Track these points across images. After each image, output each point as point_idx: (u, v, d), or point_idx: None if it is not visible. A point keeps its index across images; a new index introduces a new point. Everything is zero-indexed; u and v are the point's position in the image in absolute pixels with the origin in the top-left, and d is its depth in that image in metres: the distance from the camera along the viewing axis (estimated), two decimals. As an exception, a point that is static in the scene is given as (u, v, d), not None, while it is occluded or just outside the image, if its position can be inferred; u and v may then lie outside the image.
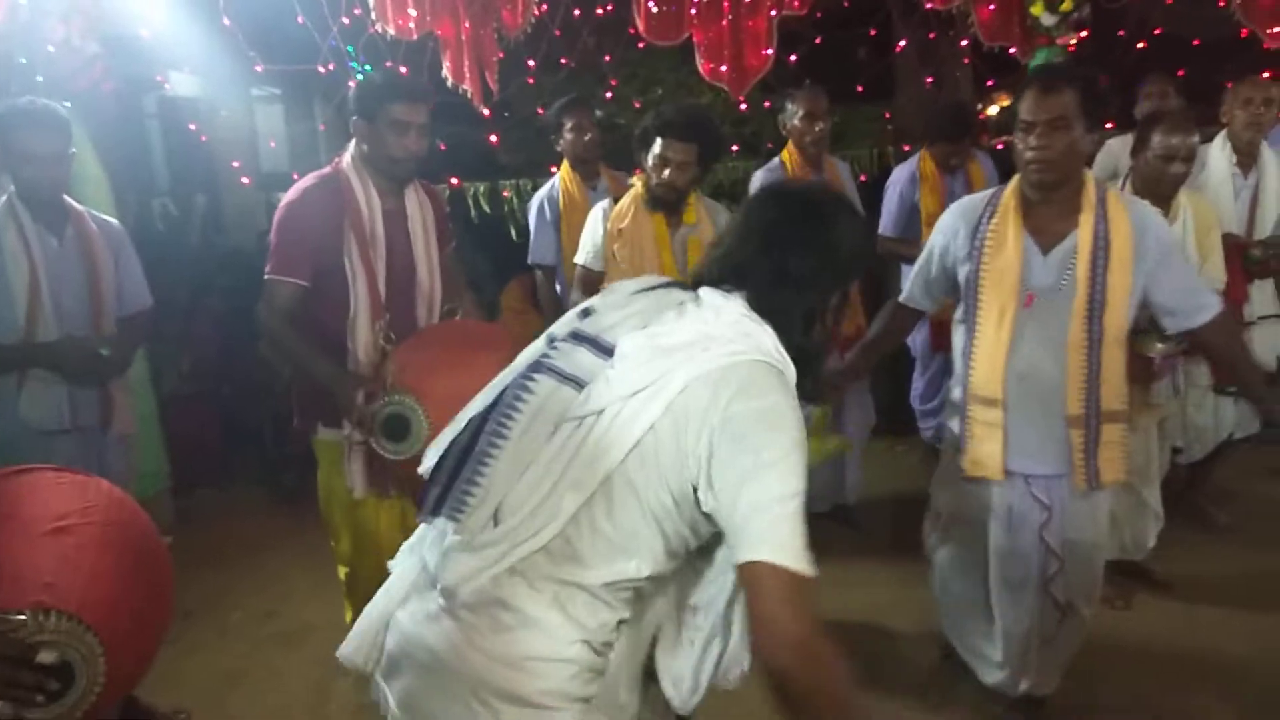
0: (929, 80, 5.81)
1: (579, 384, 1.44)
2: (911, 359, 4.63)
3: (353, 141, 2.78)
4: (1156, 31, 5.95)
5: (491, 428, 1.46)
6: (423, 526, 1.55)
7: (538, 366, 1.50)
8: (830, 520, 4.19)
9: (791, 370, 1.45)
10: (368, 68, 4.56)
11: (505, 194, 6.01)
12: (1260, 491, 4.43)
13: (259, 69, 4.56)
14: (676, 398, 1.37)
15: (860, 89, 4.30)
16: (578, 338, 1.51)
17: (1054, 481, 2.52)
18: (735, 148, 6.09)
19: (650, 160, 3.22)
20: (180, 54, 4.79)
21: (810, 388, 1.50)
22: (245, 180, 5.37)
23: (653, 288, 1.58)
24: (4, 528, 1.56)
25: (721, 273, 1.53)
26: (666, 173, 3.18)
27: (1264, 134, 3.80)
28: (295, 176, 3.05)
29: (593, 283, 3.37)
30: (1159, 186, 3.20)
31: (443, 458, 1.51)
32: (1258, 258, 3.61)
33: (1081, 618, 2.65)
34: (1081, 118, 2.33)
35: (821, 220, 1.54)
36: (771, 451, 1.34)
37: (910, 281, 2.75)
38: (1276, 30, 4.68)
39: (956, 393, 2.64)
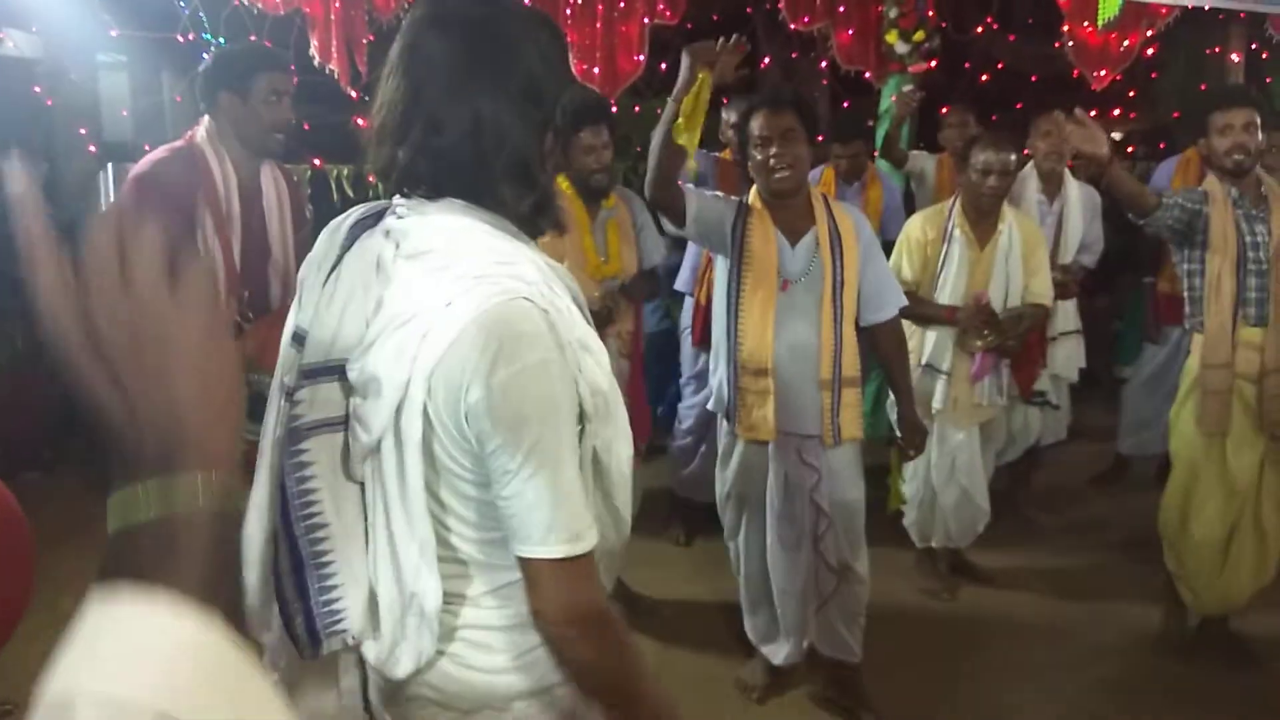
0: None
1: (345, 422, 1.23)
2: None
3: (206, 117, 2.72)
4: (999, 66, 6.39)
5: (301, 529, 1.22)
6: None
7: (296, 436, 1.23)
8: (707, 515, 4.26)
9: (551, 296, 1.19)
10: (222, 40, 4.42)
11: (370, 179, 5.89)
12: (1078, 493, 4.82)
13: (114, 33, 4.35)
14: (435, 377, 1.13)
15: (725, 100, 4.48)
16: (310, 375, 1.24)
17: (817, 443, 2.84)
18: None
19: (576, 153, 3.25)
20: (23, 11, 4.53)
21: (554, 217, 1.29)
22: (92, 148, 5.10)
23: (342, 252, 1.28)
24: None
25: (411, 176, 1.22)
26: (593, 159, 3.24)
27: (1063, 163, 4.13)
28: (146, 148, 2.96)
29: None
30: (979, 201, 3.49)
31: (278, 589, 1.25)
32: (1058, 280, 3.87)
33: (858, 576, 2.92)
34: (804, 132, 2.78)
35: (499, 45, 1.20)
36: (541, 438, 1.14)
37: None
38: (1102, 73, 5.11)
39: (723, 370, 2.90)
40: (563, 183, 3.33)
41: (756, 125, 2.77)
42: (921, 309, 3.42)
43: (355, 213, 1.33)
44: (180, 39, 4.29)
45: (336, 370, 1.23)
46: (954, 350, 3.49)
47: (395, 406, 1.15)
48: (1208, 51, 5.87)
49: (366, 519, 1.23)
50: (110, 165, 5.09)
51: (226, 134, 2.70)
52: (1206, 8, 4.80)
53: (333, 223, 1.35)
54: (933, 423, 3.54)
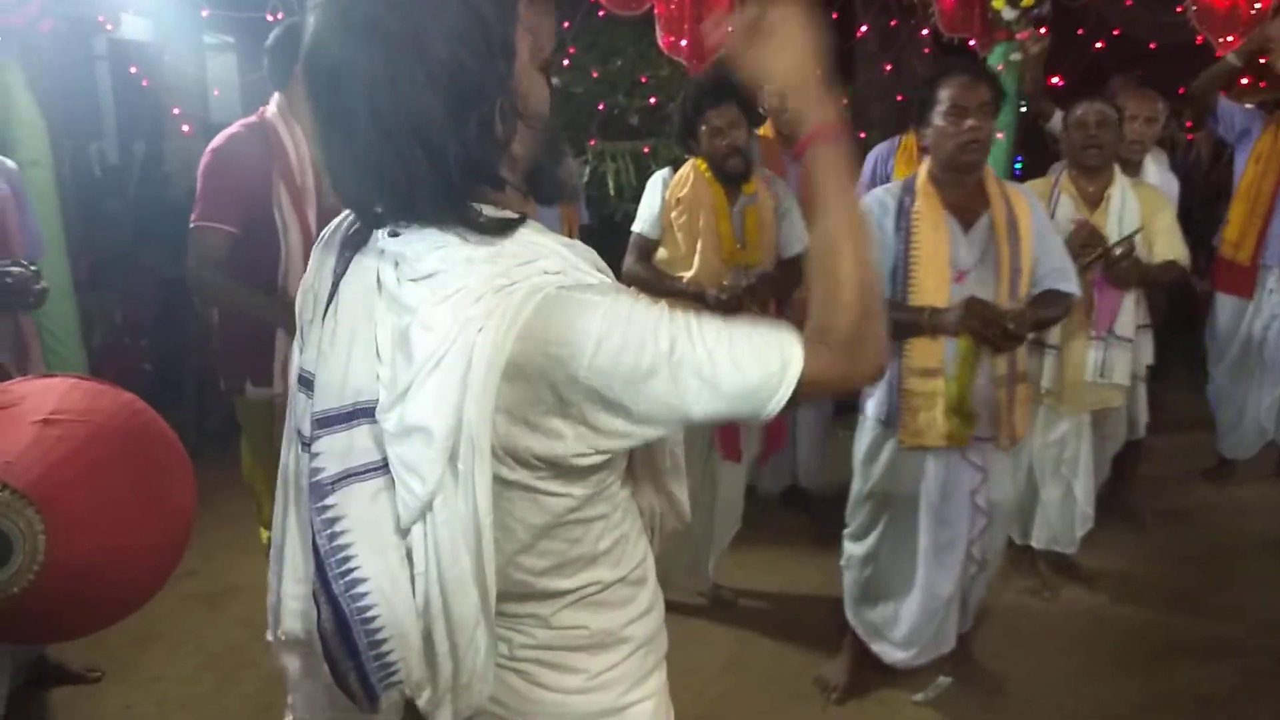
0: (888, 67, 5.81)
1: (380, 469, 1.12)
2: None
3: (276, 93, 2.72)
4: (1115, 32, 6.01)
5: (340, 588, 1.13)
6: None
7: (320, 491, 1.13)
8: (782, 504, 4.22)
9: (582, 276, 1.11)
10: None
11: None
12: (1186, 486, 4.53)
13: (205, 14, 4.42)
14: (503, 409, 1.05)
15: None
16: (326, 424, 1.14)
17: (985, 444, 2.67)
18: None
19: (704, 139, 3.18)
20: (126, -5, 4.62)
21: (550, 186, 1.19)
22: (186, 128, 5.22)
23: (336, 279, 1.17)
24: (1, 414, 1.58)
25: (370, 215, 1.12)
26: (724, 141, 3.14)
27: (1146, 152, 3.84)
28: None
29: (648, 250, 3.35)
30: (1083, 157, 3.39)
31: (325, 649, 1.18)
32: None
33: (989, 572, 2.87)
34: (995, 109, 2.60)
35: (396, 44, 1.02)
36: (670, 342, 1.05)
37: None
38: (1229, 39, 4.74)
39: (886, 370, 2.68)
40: (700, 165, 3.25)
41: (950, 94, 2.54)
42: None
43: (340, 227, 1.21)
44: (270, 17, 4.32)
45: (355, 416, 1.12)
46: (1064, 323, 3.19)
47: (450, 451, 1.04)
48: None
49: (412, 567, 1.11)
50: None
51: (300, 108, 2.68)
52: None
53: (319, 241, 1.23)
54: (1039, 407, 3.34)
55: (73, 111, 5.02)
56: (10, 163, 3.06)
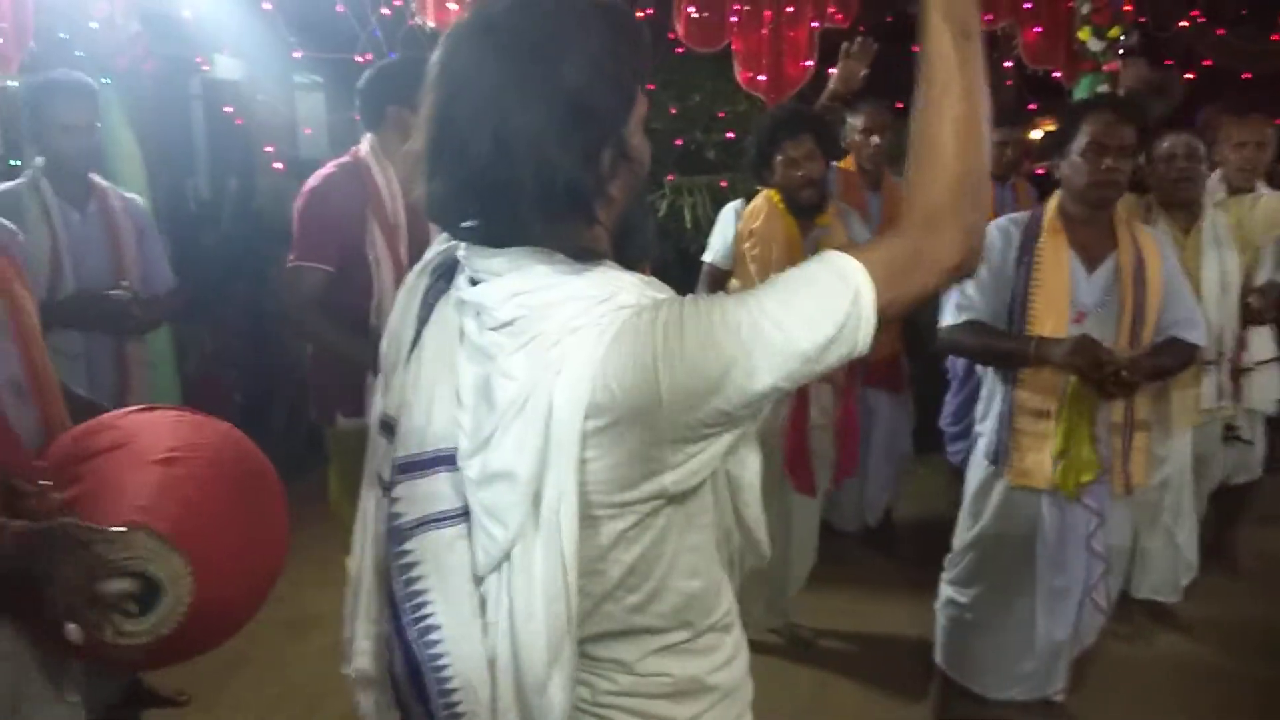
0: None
1: (458, 517, 1.12)
2: (946, 380, 4.56)
3: (368, 134, 2.79)
4: (1205, 63, 5.87)
5: (413, 634, 1.13)
6: None
7: (399, 536, 1.14)
8: (856, 541, 4.16)
9: (653, 289, 1.09)
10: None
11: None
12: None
13: (296, 55, 4.57)
14: (591, 448, 1.03)
15: (900, 106, 4.29)
16: (406, 470, 1.14)
17: (1100, 489, 2.60)
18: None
19: (778, 170, 3.19)
20: (222, 36, 4.81)
21: (640, 245, 1.19)
22: (278, 166, 5.39)
23: (420, 324, 1.18)
24: (115, 455, 1.60)
25: (449, 214, 1.11)
26: (799, 173, 3.15)
27: (1256, 179, 3.67)
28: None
29: (720, 281, 3.38)
30: (1171, 189, 3.33)
31: (396, 694, 1.19)
32: (1250, 304, 3.48)
33: (1101, 617, 2.80)
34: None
35: (534, 53, 1.04)
36: (738, 347, 1.01)
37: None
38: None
39: (997, 406, 2.65)
40: (774, 197, 3.26)
41: (1093, 129, 2.49)
42: None
43: (425, 274, 1.22)
44: (359, 59, 4.45)
45: (435, 463, 1.12)
46: None
47: (534, 497, 1.04)
48: None
49: (485, 617, 1.10)
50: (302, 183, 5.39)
51: (393, 147, 2.75)
52: None
53: (405, 286, 1.25)
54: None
55: (169, 148, 5.22)
56: (138, 199, 3.21)
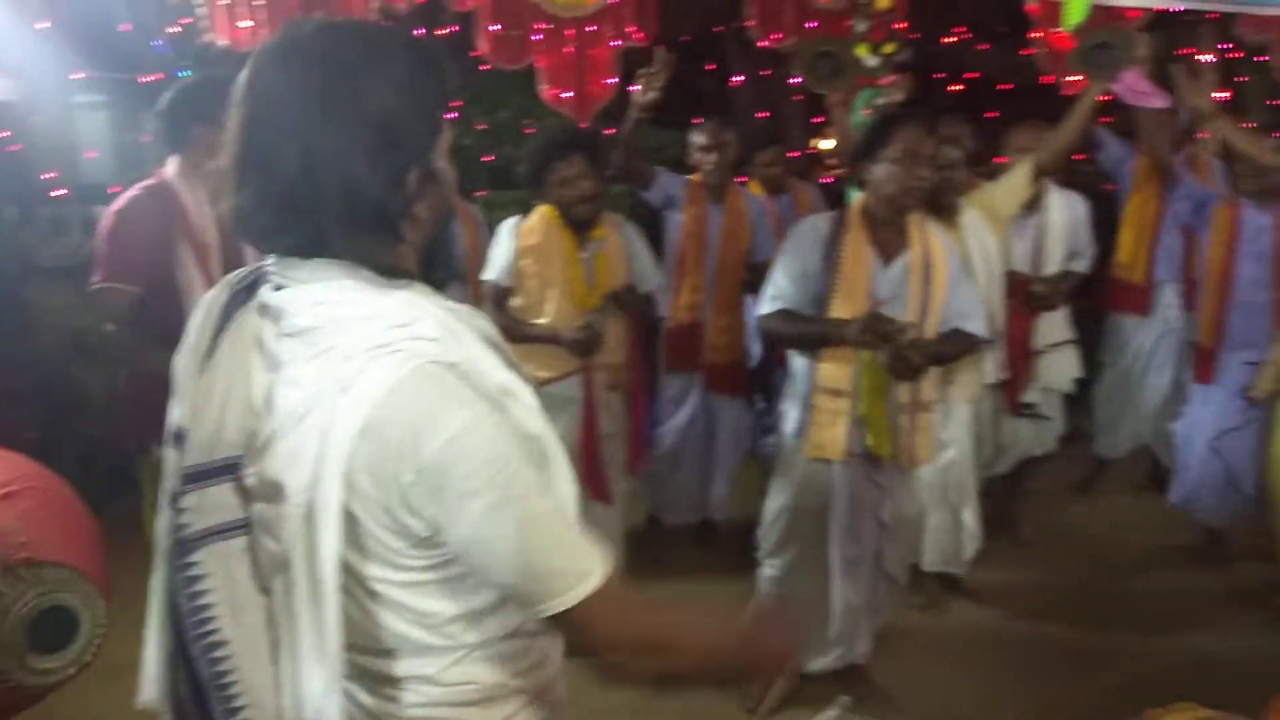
0: (763, 115, 6.05)
1: (246, 527, 1.11)
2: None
3: (174, 154, 2.75)
4: (970, 75, 6.41)
5: (198, 650, 1.10)
6: None
7: (185, 547, 1.11)
8: (678, 537, 4.28)
9: (459, 348, 1.10)
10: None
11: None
12: (1065, 505, 4.79)
13: (78, 75, 4.34)
14: (355, 472, 1.04)
15: (699, 121, 4.55)
16: (194, 479, 1.13)
17: (887, 463, 2.90)
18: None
19: (552, 190, 3.26)
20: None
21: (445, 265, 1.24)
22: (62, 192, 5.09)
23: (216, 335, 1.17)
24: None
25: (254, 227, 1.11)
26: (572, 191, 3.23)
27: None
28: (118, 189, 2.96)
29: (502, 297, 3.40)
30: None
31: (179, 716, 1.17)
32: (1037, 293, 3.89)
33: (896, 586, 3.13)
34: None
35: (342, 77, 1.07)
36: (501, 498, 1.07)
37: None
38: (1077, 77, 5.10)
39: (800, 386, 2.90)
40: (550, 213, 3.32)
41: (907, 140, 2.75)
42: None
43: (227, 287, 1.22)
44: (147, 78, 4.28)
45: (224, 472, 1.11)
46: None
47: (304, 512, 1.04)
48: (1178, 53, 5.88)
49: (272, 633, 1.10)
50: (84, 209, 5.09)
51: (200, 167, 2.73)
52: (1174, 9, 4.79)
53: (204, 300, 1.24)
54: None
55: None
56: None
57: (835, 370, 2.83)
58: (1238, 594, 3.83)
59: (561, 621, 1.12)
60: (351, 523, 1.06)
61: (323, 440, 1.03)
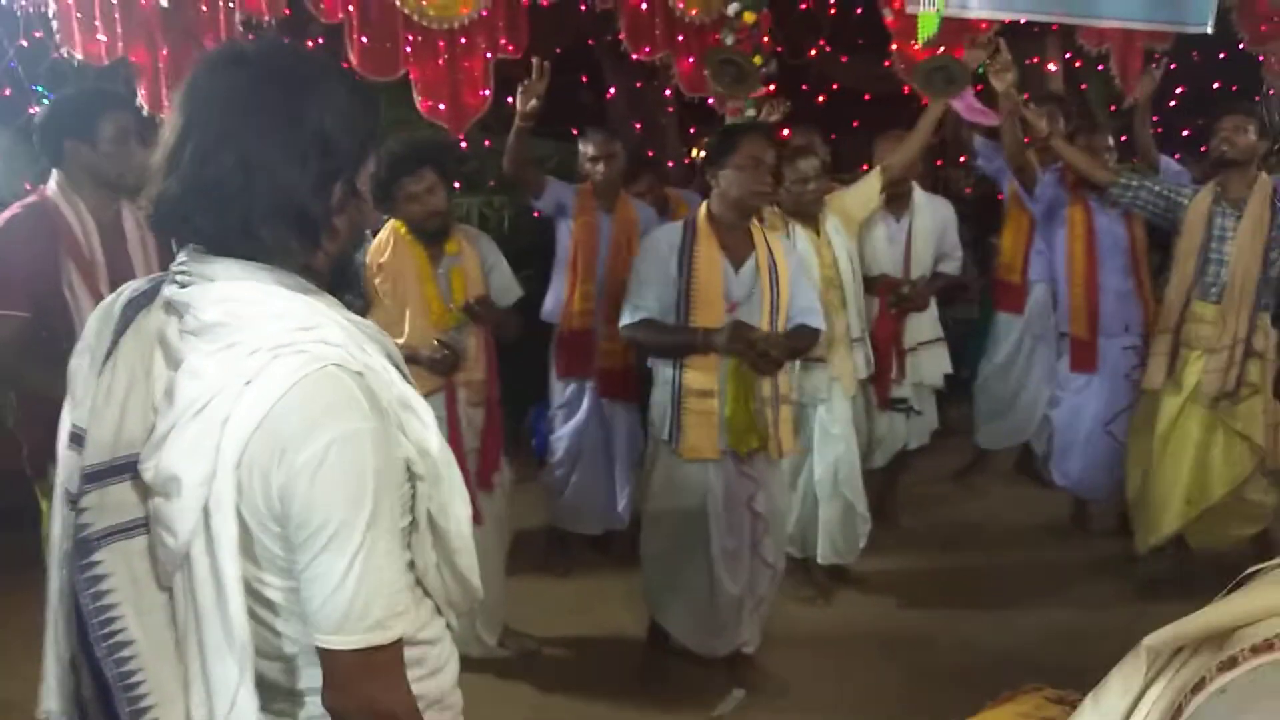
0: (638, 126, 6.14)
1: (144, 525, 1.11)
2: None
3: (55, 170, 2.68)
4: (835, 87, 6.64)
5: (102, 651, 1.09)
6: None
7: (86, 547, 1.10)
8: (593, 548, 4.28)
9: (363, 357, 1.13)
10: (49, 94, 4.21)
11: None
12: (945, 493, 5.02)
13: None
14: (245, 467, 1.06)
15: (575, 132, 4.58)
16: (94, 478, 1.12)
17: (757, 457, 3.04)
18: (458, 185, 6.12)
19: (400, 205, 3.16)
20: None
21: (351, 282, 1.29)
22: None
23: (116, 336, 1.18)
24: None
25: (178, 213, 1.13)
26: (421, 207, 3.14)
27: (908, 182, 4.26)
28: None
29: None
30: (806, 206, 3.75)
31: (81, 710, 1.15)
32: (904, 295, 4.09)
33: (777, 573, 3.25)
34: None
35: (284, 88, 1.14)
36: (349, 517, 1.07)
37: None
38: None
39: (668, 390, 3.00)
40: (399, 227, 3.23)
41: (752, 149, 2.91)
42: None
43: (127, 290, 1.22)
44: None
45: (125, 469, 1.11)
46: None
47: (202, 505, 1.05)
48: (1027, 62, 6.24)
49: (177, 630, 1.10)
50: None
51: (80, 182, 2.66)
52: (1022, 20, 5.08)
53: (102, 304, 1.23)
54: (812, 412, 3.69)
55: None
56: None
57: (702, 375, 2.96)
58: (1098, 567, 4.08)
59: (332, 660, 1.10)
60: (243, 530, 1.07)
61: (222, 431, 1.04)
